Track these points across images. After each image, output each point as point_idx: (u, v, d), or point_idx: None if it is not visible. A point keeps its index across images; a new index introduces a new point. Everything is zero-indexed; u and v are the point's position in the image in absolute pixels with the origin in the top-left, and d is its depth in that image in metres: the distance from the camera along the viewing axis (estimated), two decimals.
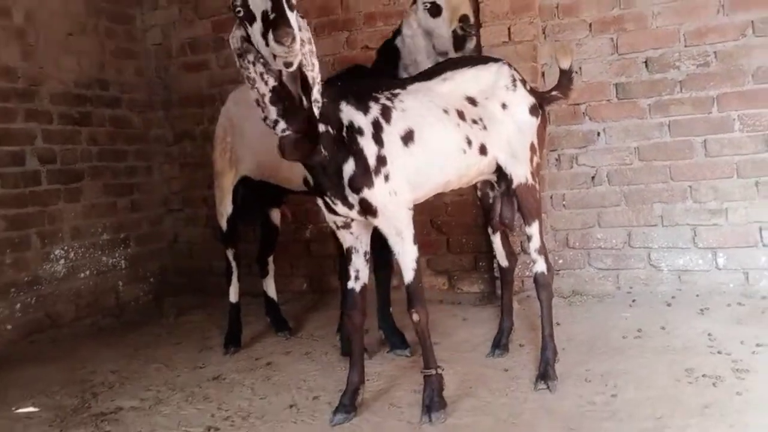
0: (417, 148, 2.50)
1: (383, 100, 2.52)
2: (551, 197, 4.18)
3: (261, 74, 2.21)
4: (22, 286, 4.16)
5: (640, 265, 4.01)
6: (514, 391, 2.71)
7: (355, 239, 2.63)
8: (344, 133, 2.40)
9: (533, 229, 2.82)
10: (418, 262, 2.49)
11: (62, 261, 4.44)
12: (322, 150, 2.33)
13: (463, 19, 2.91)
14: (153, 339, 4.00)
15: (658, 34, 3.92)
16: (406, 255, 2.48)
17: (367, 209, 2.42)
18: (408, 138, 2.49)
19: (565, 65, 2.94)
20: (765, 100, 3.73)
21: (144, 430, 2.66)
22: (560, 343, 2.94)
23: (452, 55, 3.03)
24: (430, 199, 2.73)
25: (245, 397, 2.92)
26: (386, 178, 2.42)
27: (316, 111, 2.28)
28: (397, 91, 2.60)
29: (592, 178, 4.11)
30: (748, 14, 3.73)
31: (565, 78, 2.96)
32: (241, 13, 2.13)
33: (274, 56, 2.08)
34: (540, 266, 2.83)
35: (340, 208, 2.47)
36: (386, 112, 2.49)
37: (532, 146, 2.79)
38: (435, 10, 3.03)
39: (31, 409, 2.98)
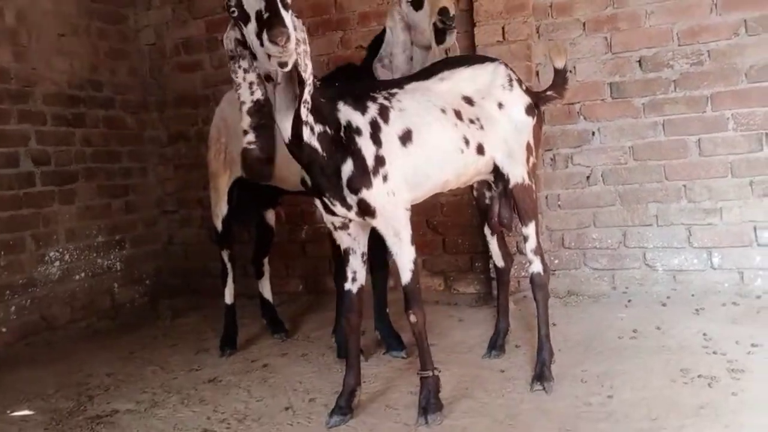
0: (415, 148, 2.50)
1: (381, 100, 2.51)
2: (546, 197, 4.18)
3: (250, 83, 2.22)
4: (16, 289, 4.14)
5: (636, 264, 4.02)
6: (510, 392, 2.71)
7: (353, 240, 2.63)
8: (342, 134, 2.39)
9: (530, 230, 2.81)
10: (415, 262, 2.49)
11: (57, 263, 4.43)
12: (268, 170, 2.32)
13: (443, 11, 2.85)
14: (149, 341, 4.00)
15: (652, 33, 3.93)
16: (404, 256, 2.48)
17: (366, 210, 2.42)
18: (406, 138, 2.49)
19: (560, 65, 2.94)
20: (758, 99, 3.73)
21: None
22: (556, 343, 2.94)
23: (435, 48, 2.98)
24: (426, 199, 2.72)
25: (241, 399, 2.91)
26: (384, 178, 2.42)
27: (305, 112, 2.27)
28: (394, 90, 2.59)
29: (587, 177, 4.12)
30: (740, 13, 3.73)
31: (560, 77, 2.96)
32: (236, 13, 2.11)
33: (269, 56, 2.07)
34: (536, 267, 2.83)
35: (338, 208, 2.47)
36: (384, 112, 2.48)
37: (528, 146, 2.79)
38: (417, 4, 2.99)
39: (26, 412, 2.97)
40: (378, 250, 2.78)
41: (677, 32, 3.88)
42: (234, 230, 3.75)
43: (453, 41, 3.00)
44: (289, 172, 3.07)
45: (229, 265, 3.71)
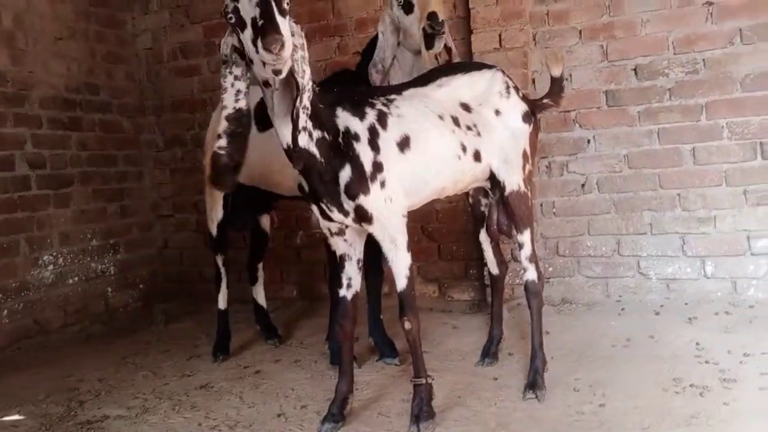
0: (413, 154, 2.50)
1: (379, 106, 2.51)
2: (541, 205, 4.18)
3: (237, 90, 2.22)
4: (9, 292, 4.13)
5: (630, 273, 4.02)
6: (503, 400, 2.70)
7: (349, 246, 2.62)
8: (340, 139, 2.39)
9: (525, 237, 2.81)
10: (411, 269, 2.48)
11: (51, 267, 4.42)
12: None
13: (431, 16, 2.85)
14: (142, 346, 3.98)
15: (648, 41, 3.94)
16: (400, 262, 2.47)
17: (363, 216, 2.41)
18: (404, 144, 2.49)
19: (557, 73, 2.95)
20: (753, 108, 3.75)
21: None
22: (549, 351, 2.94)
23: (424, 53, 2.98)
24: (422, 206, 2.72)
25: (233, 405, 2.90)
26: (382, 184, 2.41)
27: (304, 118, 2.27)
28: (392, 96, 2.60)
29: (582, 185, 4.12)
30: (736, 22, 3.75)
31: (557, 86, 2.96)
32: (233, 20, 2.11)
33: (264, 63, 2.07)
34: (531, 274, 2.83)
35: (335, 215, 2.46)
36: (382, 118, 2.48)
37: (524, 153, 2.79)
38: (408, 7, 2.99)
39: (16, 417, 2.96)
40: (373, 256, 2.78)
41: (673, 41, 3.89)
42: (229, 235, 3.74)
43: (442, 47, 2.99)
44: (283, 177, 3.09)
45: (223, 270, 3.70)
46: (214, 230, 3.66)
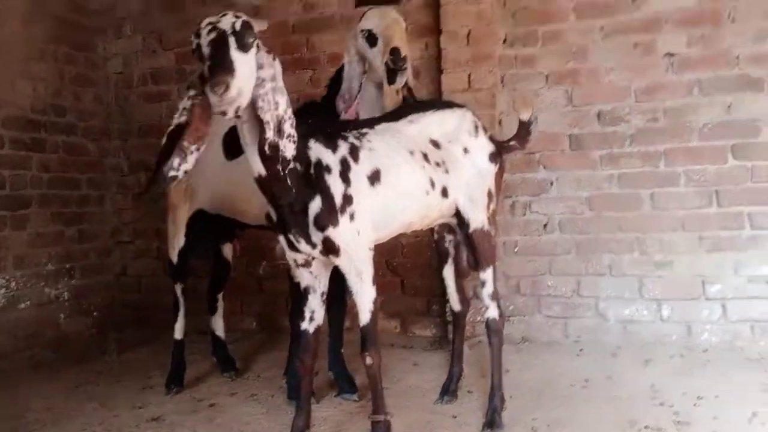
0: (383, 188, 2.51)
1: (351, 139, 2.53)
2: (504, 243, 4.23)
3: (183, 108, 2.22)
4: None
5: (588, 314, 4.08)
6: None
7: (314, 279, 2.60)
8: (312, 171, 2.40)
9: (487, 275, 2.84)
10: (375, 303, 2.47)
11: (2, 290, 4.27)
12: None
13: (394, 51, 2.85)
14: (93, 376, 3.86)
15: (611, 88, 4.07)
16: (365, 295, 2.46)
17: (330, 248, 2.40)
18: (375, 178, 2.50)
19: (525, 117, 3.00)
20: (710, 157, 3.88)
21: None
22: (509, 390, 2.94)
23: (386, 88, 2.96)
24: (387, 240, 2.72)
25: None
26: (351, 217, 2.42)
27: (293, 148, 2.28)
28: (365, 130, 2.62)
29: (545, 225, 4.19)
30: (694, 74, 3.91)
31: (524, 129, 3.02)
32: (196, 54, 2.14)
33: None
34: (492, 312, 2.85)
35: (302, 245, 2.45)
36: (354, 151, 2.49)
37: (489, 192, 2.84)
38: (372, 40, 2.99)
39: None
40: (337, 289, 2.76)
41: (635, 89, 4.03)
42: (190, 263, 3.67)
43: (404, 83, 3.01)
44: (249, 205, 3.06)
45: (181, 300, 3.61)
46: (174, 257, 3.58)
